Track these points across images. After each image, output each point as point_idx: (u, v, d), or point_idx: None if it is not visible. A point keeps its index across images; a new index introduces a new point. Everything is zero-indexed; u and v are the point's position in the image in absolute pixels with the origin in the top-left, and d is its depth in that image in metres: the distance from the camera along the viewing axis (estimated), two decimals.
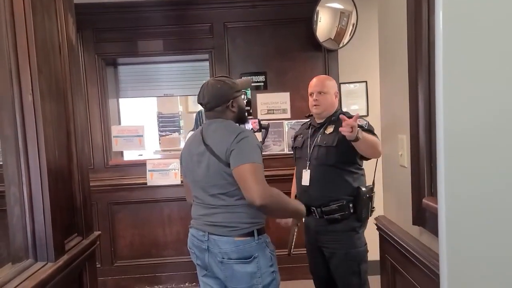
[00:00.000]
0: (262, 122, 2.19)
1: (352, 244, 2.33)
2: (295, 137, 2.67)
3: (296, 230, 2.62)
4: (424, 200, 1.47)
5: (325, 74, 3.61)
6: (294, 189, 2.68)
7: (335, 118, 2.41)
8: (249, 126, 2.16)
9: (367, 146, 2.14)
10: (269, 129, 2.30)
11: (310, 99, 2.49)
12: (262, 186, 1.73)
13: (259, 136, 3.26)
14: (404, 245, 1.64)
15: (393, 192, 1.87)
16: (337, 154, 2.32)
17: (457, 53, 0.82)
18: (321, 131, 2.43)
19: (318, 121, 2.49)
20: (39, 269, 1.54)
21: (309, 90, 2.51)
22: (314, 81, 2.53)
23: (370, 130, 2.23)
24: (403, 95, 1.62)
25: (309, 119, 2.61)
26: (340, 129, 2.04)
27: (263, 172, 1.80)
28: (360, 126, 2.17)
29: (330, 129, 2.39)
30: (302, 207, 2.01)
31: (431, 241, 1.47)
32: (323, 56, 3.61)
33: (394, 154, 1.80)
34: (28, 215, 1.58)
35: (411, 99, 1.56)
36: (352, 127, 1.99)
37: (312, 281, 2.66)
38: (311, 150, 2.43)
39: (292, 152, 2.68)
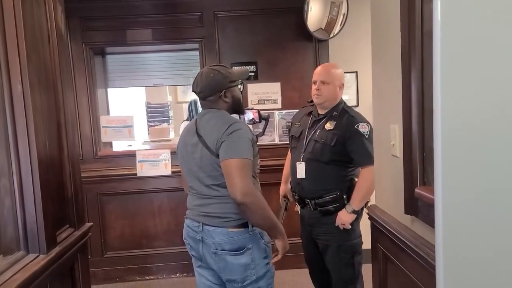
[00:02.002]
0: (262, 113, 2.15)
1: (346, 237, 2.34)
2: (292, 124, 2.60)
3: (284, 214, 2.63)
4: (416, 190, 1.48)
5: (316, 64, 3.61)
6: (285, 172, 2.67)
7: (337, 114, 2.35)
8: (249, 116, 2.13)
9: (366, 198, 2.28)
10: (260, 120, 2.26)
11: (312, 87, 2.41)
12: (246, 183, 1.72)
13: (252, 127, 3.27)
14: (396, 234, 1.65)
15: (385, 181, 1.89)
16: (333, 153, 2.29)
17: (455, 42, 0.82)
18: (320, 124, 2.37)
19: (320, 112, 2.42)
20: (31, 261, 1.53)
21: (313, 78, 2.42)
22: (319, 68, 2.45)
23: (368, 140, 2.24)
24: (395, 85, 1.63)
25: (311, 104, 2.52)
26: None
27: (251, 169, 1.79)
28: (361, 134, 2.23)
29: (330, 126, 2.33)
30: (282, 228, 1.89)
31: (423, 230, 1.49)
32: (313, 46, 3.60)
33: (386, 144, 1.80)
34: (19, 206, 1.56)
35: (404, 88, 1.56)
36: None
37: (303, 270, 2.69)
38: (306, 143, 2.39)
39: (288, 139, 2.65)
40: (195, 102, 4.76)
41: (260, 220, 1.80)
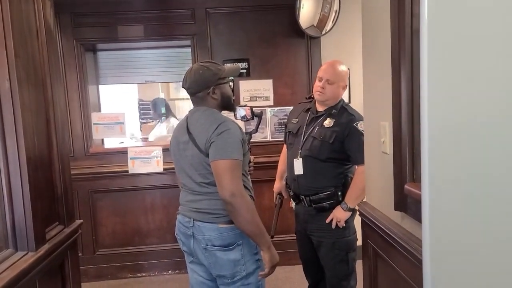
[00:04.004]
0: (255, 110, 2.14)
1: (340, 233, 2.34)
2: (289, 120, 2.59)
3: (278, 212, 2.63)
4: (406, 186, 1.49)
5: (308, 61, 3.60)
6: (281, 169, 2.66)
7: (336, 111, 2.35)
8: (241, 113, 2.11)
9: (362, 197, 2.20)
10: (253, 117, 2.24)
11: (317, 83, 2.39)
12: (235, 184, 1.73)
13: (244, 124, 3.27)
14: (386, 230, 1.66)
15: (376, 178, 1.89)
16: (331, 151, 2.29)
17: (442, 41, 0.83)
18: (319, 121, 2.37)
19: (319, 109, 2.41)
20: (20, 259, 1.52)
21: (318, 74, 2.41)
22: (325, 66, 2.43)
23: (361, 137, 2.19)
24: (386, 83, 1.63)
25: (309, 101, 2.51)
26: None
27: (241, 169, 1.79)
28: (360, 133, 2.20)
29: (329, 123, 2.32)
30: (269, 238, 1.86)
31: (413, 226, 1.50)
32: (305, 43, 3.60)
33: (377, 141, 1.81)
34: (7, 204, 1.55)
35: (393, 86, 1.56)
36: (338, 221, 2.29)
37: (296, 266, 2.70)
38: (304, 139, 2.38)
39: (284, 134, 2.64)
40: (155, 101, 4.78)
41: (246, 224, 1.78)
